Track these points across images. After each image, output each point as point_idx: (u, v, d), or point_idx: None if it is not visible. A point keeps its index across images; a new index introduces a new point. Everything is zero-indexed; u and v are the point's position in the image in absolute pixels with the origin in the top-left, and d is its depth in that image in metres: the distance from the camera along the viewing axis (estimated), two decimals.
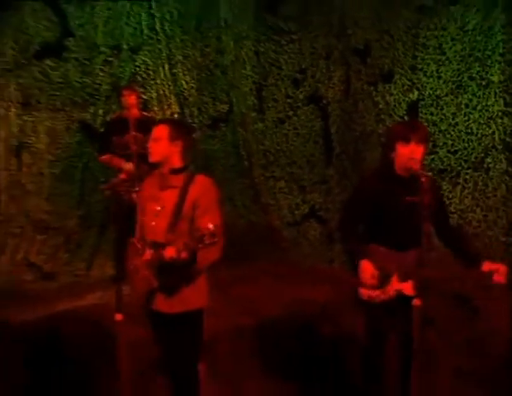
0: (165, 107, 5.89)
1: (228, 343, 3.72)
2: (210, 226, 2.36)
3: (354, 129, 5.82)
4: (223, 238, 2.61)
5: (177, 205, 2.69)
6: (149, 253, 2.64)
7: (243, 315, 4.08)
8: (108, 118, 5.44)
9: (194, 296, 2.72)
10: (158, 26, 5.83)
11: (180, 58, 5.95)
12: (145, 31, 5.83)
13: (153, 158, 2.77)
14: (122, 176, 2.59)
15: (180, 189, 2.72)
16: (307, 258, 5.64)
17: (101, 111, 5.61)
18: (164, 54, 5.88)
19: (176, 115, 5.89)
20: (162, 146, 2.75)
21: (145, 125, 4.83)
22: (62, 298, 4.32)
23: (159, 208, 2.73)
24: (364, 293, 2.88)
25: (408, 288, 2.81)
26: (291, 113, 6.06)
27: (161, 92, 5.89)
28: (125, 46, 5.77)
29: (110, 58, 5.75)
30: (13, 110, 5.48)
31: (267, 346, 3.78)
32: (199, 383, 2.87)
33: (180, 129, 2.85)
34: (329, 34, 5.94)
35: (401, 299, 2.85)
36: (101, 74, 5.70)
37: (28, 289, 4.70)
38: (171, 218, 2.67)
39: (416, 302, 2.62)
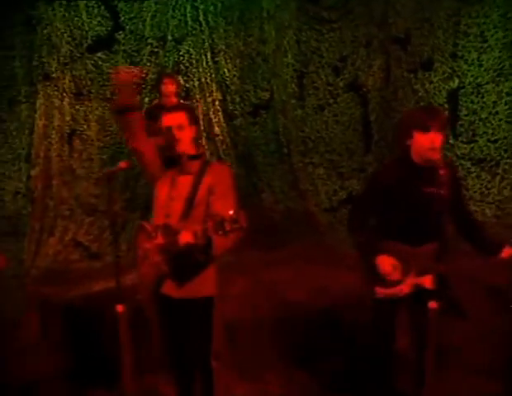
0: (207, 95, 6.09)
1: (250, 330, 3.84)
2: (231, 212, 2.28)
3: (393, 116, 5.85)
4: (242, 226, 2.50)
5: (191, 191, 2.67)
6: (161, 237, 2.58)
7: (269, 300, 4.18)
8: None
9: (204, 283, 2.69)
10: (201, 18, 6.03)
11: (223, 47, 6.13)
12: (189, 23, 6.04)
13: (183, 147, 2.72)
14: (122, 164, 2.59)
15: (195, 175, 2.71)
16: (343, 243, 5.75)
17: (146, 100, 5.84)
18: (207, 44, 6.07)
19: (217, 103, 6.14)
20: (187, 133, 2.74)
21: None
22: (105, 277, 4.50)
23: (174, 193, 2.72)
24: (379, 291, 2.75)
25: (427, 281, 2.67)
26: (331, 100, 6.16)
27: (203, 80, 6.09)
28: (170, 37, 6.00)
29: (156, 49, 5.99)
30: (67, 100, 5.82)
31: (290, 333, 3.85)
32: (211, 378, 2.79)
33: (194, 114, 2.90)
34: (369, 23, 5.99)
35: (417, 298, 2.73)
36: (147, 64, 5.96)
37: (74, 269, 5.07)
38: (185, 203, 2.66)
39: (432, 304, 2.49)
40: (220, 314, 2.89)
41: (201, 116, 6.06)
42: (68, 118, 5.82)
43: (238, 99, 6.20)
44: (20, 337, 4.46)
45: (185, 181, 2.73)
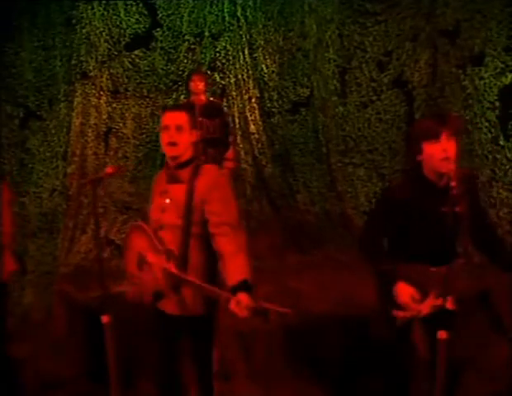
0: (243, 92, 5.98)
1: (266, 340, 3.70)
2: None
3: None
4: (242, 231, 2.42)
5: (185, 203, 2.45)
6: (172, 265, 2.39)
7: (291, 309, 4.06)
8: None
9: (202, 302, 2.49)
10: (239, 13, 5.91)
11: (261, 42, 5.98)
12: (227, 18, 5.94)
13: (178, 151, 2.49)
14: (109, 169, 2.45)
15: (187, 183, 2.47)
16: None
17: (183, 97, 5.79)
18: (245, 40, 5.95)
19: (254, 100, 5.98)
20: (186, 136, 2.51)
21: (212, 111, 5.03)
22: None
23: (166, 204, 2.52)
24: (397, 314, 2.52)
25: (448, 303, 2.39)
26: (374, 97, 5.85)
27: (240, 77, 5.97)
28: (207, 33, 5.93)
29: (193, 46, 5.95)
30: (104, 98, 5.86)
31: (308, 345, 3.69)
32: None
33: (194, 116, 2.66)
34: (416, 15, 5.61)
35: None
36: (184, 61, 5.92)
37: (105, 267, 5.06)
38: (181, 216, 2.44)
39: (442, 335, 2.25)
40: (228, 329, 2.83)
41: (236, 114, 5.95)
42: (104, 116, 5.87)
43: (276, 96, 6.03)
44: (47, 335, 4.55)
45: (178, 190, 2.50)
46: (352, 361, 3.66)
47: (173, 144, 2.49)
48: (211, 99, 5.21)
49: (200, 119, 4.87)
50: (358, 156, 5.87)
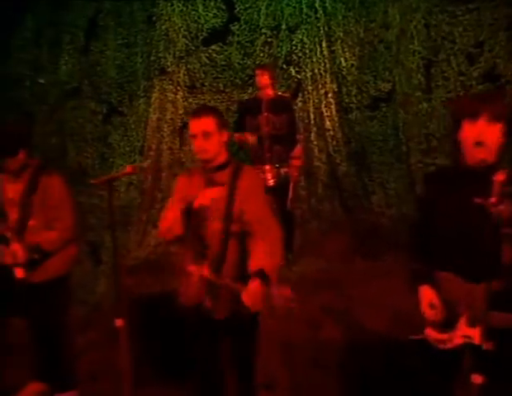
0: (319, 87, 5.75)
1: (311, 353, 3.52)
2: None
3: None
4: (275, 228, 2.44)
5: (226, 206, 2.42)
6: (206, 270, 2.40)
7: (343, 321, 3.85)
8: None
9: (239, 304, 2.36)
10: (318, 4, 5.68)
11: (340, 34, 5.72)
12: (305, 10, 5.74)
13: (210, 155, 2.44)
14: (129, 168, 2.41)
15: (228, 186, 2.45)
16: None
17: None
18: (322, 32, 5.72)
19: (330, 95, 5.74)
20: (215, 141, 2.45)
21: (279, 106, 4.79)
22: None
23: (208, 205, 2.44)
24: (430, 334, 2.17)
25: (476, 336, 2.03)
26: (462, 92, 5.39)
27: (316, 71, 5.76)
28: (283, 26, 5.77)
29: (269, 39, 5.83)
30: (180, 93, 5.92)
31: (355, 364, 3.43)
32: None
33: (223, 117, 2.57)
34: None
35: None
36: (260, 55, 5.82)
37: (170, 262, 5.14)
38: (221, 222, 2.43)
39: (476, 379, 1.91)
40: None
41: (311, 110, 5.75)
42: (180, 111, 5.93)
43: (355, 91, 5.76)
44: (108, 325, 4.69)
45: (217, 195, 2.46)
46: (398, 384, 3.39)
47: (203, 152, 2.46)
48: (280, 93, 5.00)
49: (266, 114, 4.73)
50: (442, 157, 5.44)
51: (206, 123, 2.44)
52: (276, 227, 2.47)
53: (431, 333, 2.17)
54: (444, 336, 2.13)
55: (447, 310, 2.11)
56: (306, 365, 3.44)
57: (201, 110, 2.51)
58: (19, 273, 2.88)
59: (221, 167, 2.51)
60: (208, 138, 2.44)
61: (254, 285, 2.23)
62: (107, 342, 4.16)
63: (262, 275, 2.26)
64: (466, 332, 2.07)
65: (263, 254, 2.34)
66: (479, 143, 1.99)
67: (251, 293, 2.24)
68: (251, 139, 4.69)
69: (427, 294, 2.14)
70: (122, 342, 2.44)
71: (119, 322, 2.42)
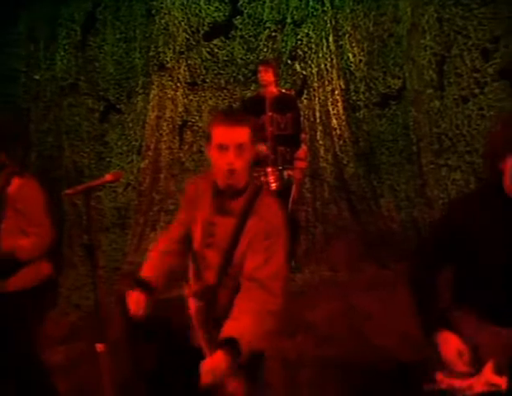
0: (326, 83, 5.51)
1: (314, 371, 3.30)
2: None
3: None
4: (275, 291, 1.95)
5: (227, 248, 2.03)
6: (199, 305, 2.07)
7: (348, 336, 3.59)
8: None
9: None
10: None
11: (348, 29, 5.49)
12: (311, 3, 5.50)
13: (237, 178, 1.99)
14: (109, 176, 2.14)
15: (237, 219, 2.03)
16: None
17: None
18: (329, 26, 5.48)
19: (337, 92, 5.47)
20: (246, 156, 1.98)
21: (284, 104, 4.55)
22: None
23: (210, 239, 2.08)
24: (442, 379, 1.92)
25: (504, 384, 1.82)
26: (476, 90, 5.11)
27: (322, 67, 5.52)
28: (289, 20, 5.53)
29: (274, 34, 5.59)
30: (180, 90, 5.68)
31: (362, 377, 3.25)
32: None
33: (255, 129, 2.07)
34: None
35: None
36: (264, 50, 5.59)
37: None
38: (220, 258, 2.05)
39: None
40: None
41: (317, 107, 5.50)
42: (180, 109, 5.69)
43: (363, 88, 5.52)
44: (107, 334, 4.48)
45: (226, 224, 2.05)
46: None
47: (232, 171, 1.97)
48: (284, 91, 4.75)
49: (270, 114, 4.50)
50: (455, 157, 5.17)
51: (243, 133, 1.97)
52: (277, 292, 1.97)
53: (448, 381, 1.91)
54: (464, 383, 1.87)
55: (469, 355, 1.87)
56: (310, 383, 3.22)
57: (236, 118, 2.02)
58: None
59: (238, 193, 2.05)
60: (242, 153, 1.97)
61: (215, 358, 1.79)
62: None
63: (232, 345, 1.81)
64: (493, 380, 1.84)
65: (247, 316, 1.88)
66: None
67: (207, 365, 1.77)
68: (262, 149, 4.39)
69: (452, 341, 1.89)
70: (104, 368, 2.23)
71: (100, 348, 2.21)
